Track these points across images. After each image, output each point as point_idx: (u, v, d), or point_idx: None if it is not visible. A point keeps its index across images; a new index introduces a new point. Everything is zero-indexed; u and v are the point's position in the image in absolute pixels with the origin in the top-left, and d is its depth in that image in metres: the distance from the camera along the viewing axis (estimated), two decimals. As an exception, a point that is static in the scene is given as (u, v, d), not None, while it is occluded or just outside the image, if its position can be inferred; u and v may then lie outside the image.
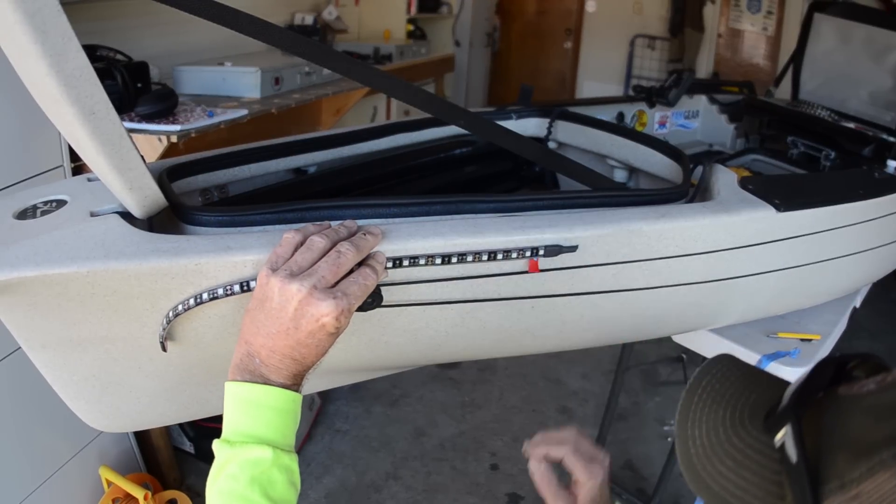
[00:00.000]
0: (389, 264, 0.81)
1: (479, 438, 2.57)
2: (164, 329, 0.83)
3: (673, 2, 5.24)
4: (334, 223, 0.82)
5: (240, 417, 0.71)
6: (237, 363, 0.73)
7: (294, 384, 0.73)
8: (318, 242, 0.73)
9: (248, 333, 0.72)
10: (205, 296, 0.79)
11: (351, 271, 0.75)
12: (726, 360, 0.65)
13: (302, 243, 0.74)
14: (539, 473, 0.89)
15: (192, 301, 0.80)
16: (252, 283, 0.78)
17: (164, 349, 0.85)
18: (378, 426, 2.59)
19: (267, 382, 0.71)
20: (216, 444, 0.71)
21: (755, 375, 0.63)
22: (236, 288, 0.78)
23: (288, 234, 0.75)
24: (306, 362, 0.72)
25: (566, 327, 1.09)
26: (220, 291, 0.79)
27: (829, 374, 0.55)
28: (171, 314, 0.81)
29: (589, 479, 0.87)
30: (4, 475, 1.66)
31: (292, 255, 0.73)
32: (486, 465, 2.44)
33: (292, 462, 0.72)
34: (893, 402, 0.47)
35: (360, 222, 0.85)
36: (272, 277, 0.70)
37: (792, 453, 0.49)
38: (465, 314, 0.96)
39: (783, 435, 0.50)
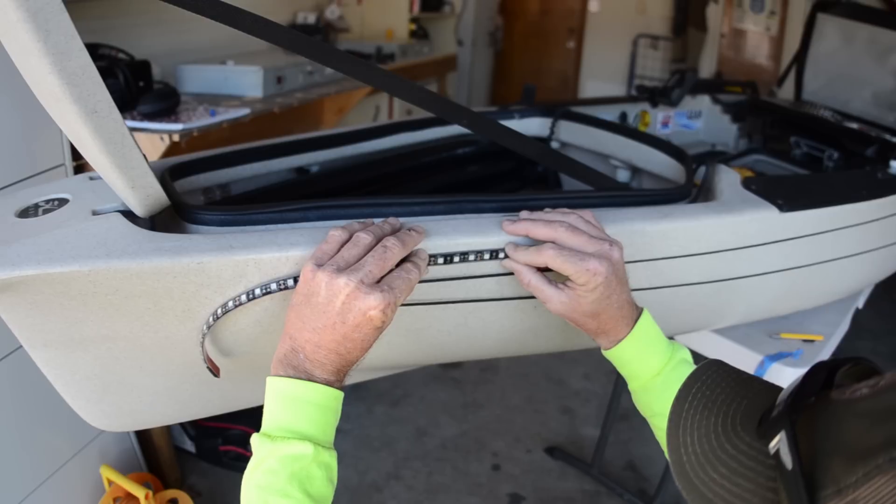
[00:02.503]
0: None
1: (481, 438, 2.57)
2: (203, 350, 0.84)
3: (676, 2, 5.23)
4: (377, 220, 0.83)
5: (281, 412, 0.72)
6: (280, 358, 0.74)
7: (337, 380, 0.74)
8: (363, 239, 0.75)
9: (293, 328, 0.73)
10: (230, 304, 0.81)
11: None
12: (716, 366, 0.65)
13: (347, 241, 0.75)
14: (527, 274, 0.85)
15: (219, 311, 0.81)
16: (273, 286, 0.79)
17: (216, 374, 0.87)
18: (379, 426, 2.59)
19: (311, 378, 0.72)
20: (255, 438, 0.71)
21: (746, 381, 0.63)
22: (258, 291, 0.80)
23: (334, 232, 0.76)
24: (351, 357, 0.73)
25: (568, 327, 1.09)
26: (244, 298, 0.80)
27: (821, 378, 0.54)
28: (205, 328, 0.82)
29: (582, 276, 0.80)
30: (5, 474, 1.66)
31: (338, 251, 0.74)
32: (487, 465, 2.44)
33: (332, 459, 0.73)
34: (888, 406, 0.47)
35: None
36: (319, 272, 0.71)
37: (787, 460, 0.48)
38: (468, 314, 0.96)
39: (777, 441, 0.50)
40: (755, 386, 0.61)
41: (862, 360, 0.58)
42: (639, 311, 0.88)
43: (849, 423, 0.48)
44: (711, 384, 0.62)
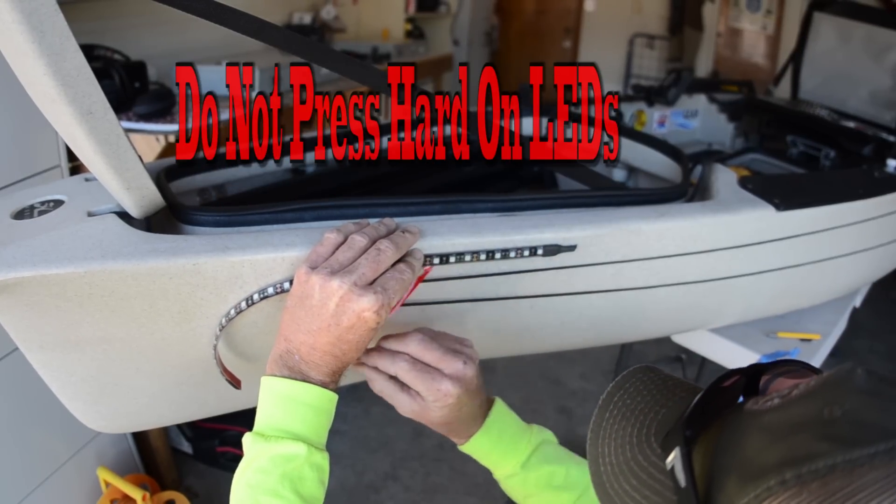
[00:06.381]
0: None
1: (479, 438, 2.56)
2: (218, 362, 0.85)
3: (672, 1, 5.23)
4: (373, 220, 0.83)
5: (275, 412, 0.72)
6: (276, 358, 0.74)
7: (332, 382, 0.74)
8: (358, 241, 0.75)
9: (288, 330, 0.73)
10: (232, 311, 0.81)
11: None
12: (641, 374, 0.62)
13: (343, 243, 0.75)
14: (377, 379, 0.82)
15: (223, 320, 0.81)
16: (270, 290, 0.79)
17: (237, 386, 0.88)
18: (377, 426, 2.59)
19: (306, 379, 0.72)
20: (247, 437, 0.72)
21: (670, 388, 0.60)
22: (256, 297, 0.80)
23: (330, 235, 0.76)
24: (345, 359, 0.73)
25: (565, 327, 1.09)
26: (244, 304, 0.80)
27: (739, 386, 0.52)
28: (215, 341, 0.83)
29: (432, 394, 0.77)
30: (1, 476, 1.65)
31: (332, 254, 0.74)
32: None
33: (324, 460, 0.73)
34: (791, 420, 0.44)
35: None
36: (313, 275, 0.71)
37: (680, 477, 0.46)
38: (464, 314, 0.96)
39: (673, 458, 0.48)
40: (677, 393, 0.59)
41: (793, 363, 0.55)
42: (490, 403, 0.86)
43: (751, 437, 0.45)
44: (633, 392, 0.60)
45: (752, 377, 0.54)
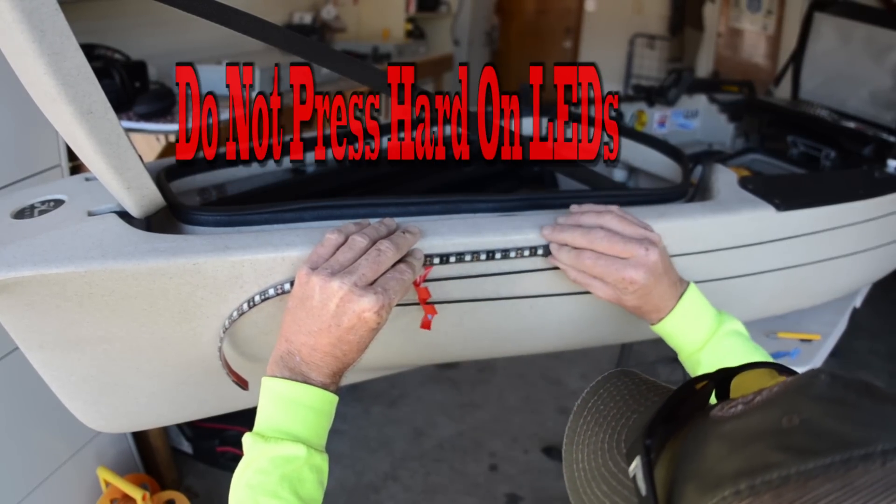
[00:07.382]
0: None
1: (478, 439, 2.57)
2: (224, 364, 0.85)
3: (673, 1, 5.23)
4: (373, 221, 0.83)
5: (276, 413, 0.72)
6: (276, 359, 0.74)
7: (332, 383, 0.75)
8: (359, 242, 0.75)
9: (289, 331, 0.74)
10: (234, 314, 0.81)
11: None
12: (616, 378, 0.62)
13: (343, 244, 0.76)
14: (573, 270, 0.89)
15: (227, 322, 0.82)
16: (270, 291, 0.80)
17: (244, 388, 0.89)
18: (377, 426, 2.59)
19: (307, 381, 0.73)
20: (247, 438, 0.72)
21: (643, 393, 0.60)
22: (257, 298, 0.80)
23: (330, 235, 0.76)
24: (346, 360, 0.74)
25: (565, 327, 1.09)
26: (245, 306, 0.81)
27: (708, 391, 0.52)
28: (219, 343, 0.83)
29: (620, 283, 0.86)
30: (1, 476, 1.65)
31: (333, 254, 0.74)
32: (484, 465, 2.44)
33: (323, 462, 0.73)
34: (750, 428, 0.43)
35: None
36: (313, 276, 0.72)
37: (641, 486, 0.46)
38: (464, 314, 0.96)
39: (635, 466, 0.47)
40: (651, 398, 0.59)
41: (764, 365, 0.55)
42: (685, 286, 0.92)
43: (711, 445, 0.44)
44: (607, 398, 0.60)
45: (720, 382, 0.54)
